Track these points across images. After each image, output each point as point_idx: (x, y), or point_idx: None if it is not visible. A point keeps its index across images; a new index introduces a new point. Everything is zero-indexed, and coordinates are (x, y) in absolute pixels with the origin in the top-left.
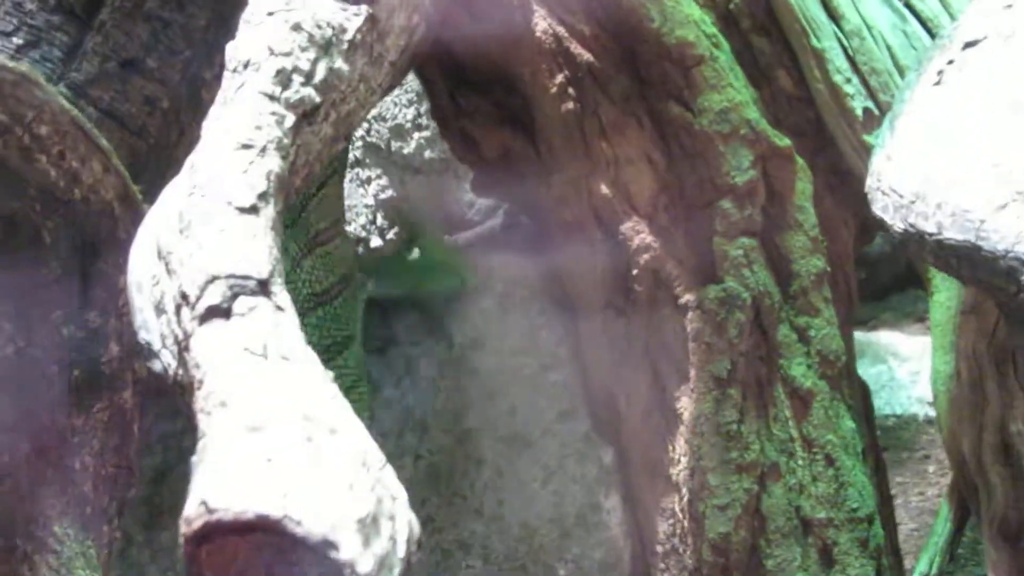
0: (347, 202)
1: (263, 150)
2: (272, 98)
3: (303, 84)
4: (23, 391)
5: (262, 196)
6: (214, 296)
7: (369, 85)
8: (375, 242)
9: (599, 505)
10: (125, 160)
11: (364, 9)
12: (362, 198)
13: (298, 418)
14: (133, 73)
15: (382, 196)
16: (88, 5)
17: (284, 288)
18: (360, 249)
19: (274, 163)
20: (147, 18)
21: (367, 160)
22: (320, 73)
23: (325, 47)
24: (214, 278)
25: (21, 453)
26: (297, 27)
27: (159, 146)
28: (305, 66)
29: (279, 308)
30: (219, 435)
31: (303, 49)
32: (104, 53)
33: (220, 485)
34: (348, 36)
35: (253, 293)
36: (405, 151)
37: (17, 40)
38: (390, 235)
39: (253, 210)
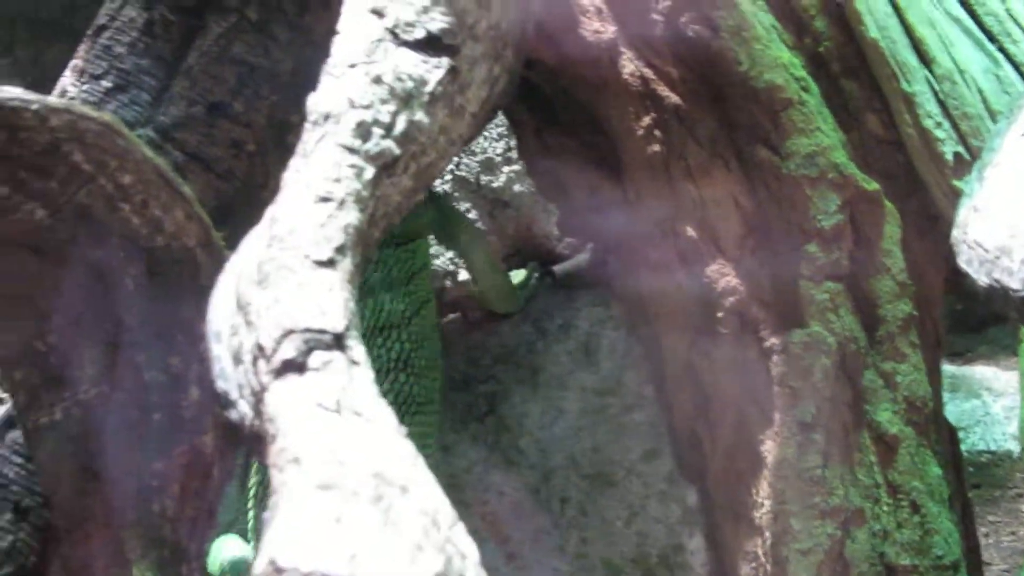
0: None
1: (342, 203)
2: (352, 151)
3: (383, 136)
4: (105, 435)
5: (339, 249)
6: (289, 350)
7: (449, 136)
8: (461, 276)
9: (682, 546)
10: (211, 203)
11: (446, 62)
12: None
13: (369, 476)
14: (219, 117)
15: None
16: (176, 50)
17: (359, 342)
18: (448, 283)
19: (353, 216)
20: (234, 62)
21: (456, 193)
22: (400, 125)
23: (406, 99)
24: (290, 332)
25: (102, 497)
26: (378, 80)
27: (245, 189)
28: (385, 118)
29: (354, 363)
30: (290, 492)
31: (384, 101)
32: (191, 97)
33: (289, 544)
34: (429, 88)
35: (328, 347)
36: (494, 184)
37: (106, 83)
38: None
39: (330, 263)
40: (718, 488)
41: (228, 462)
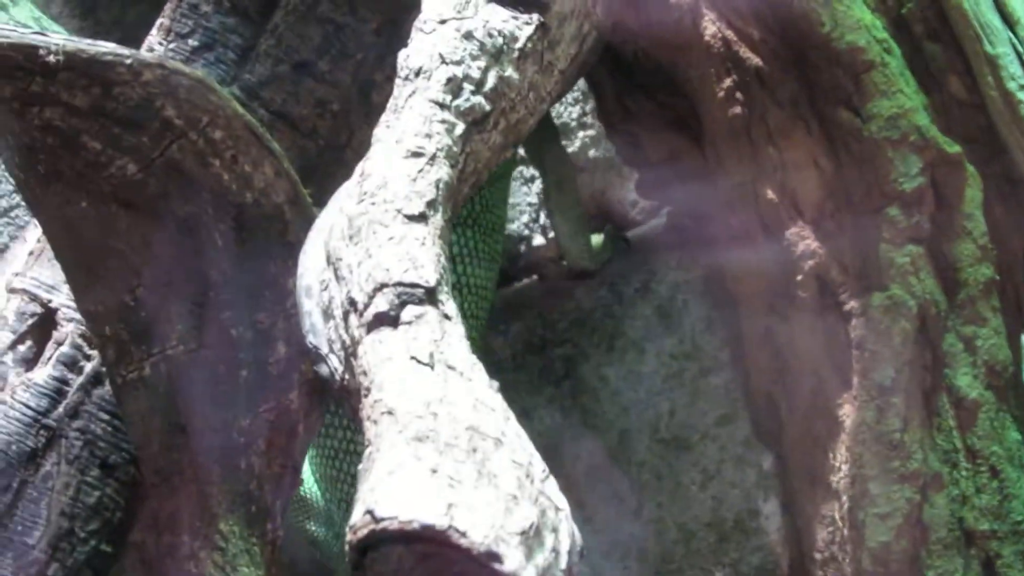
0: (512, 200)
1: (433, 158)
2: (443, 106)
3: (473, 92)
4: (193, 391)
5: (431, 204)
6: (382, 304)
7: (539, 93)
8: (537, 240)
9: (758, 510)
10: (295, 162)
11: (536, 18)
12: (525, 196)
13: (463, 429)
14: (305, 75)
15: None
16: (262, 8)
17: (451, 297)
18: (523, 247)
19: (443, 171)
20: (319, 21)
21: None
22: (491, 81)
23: (496, 55)
24: (382, 286)
25: (189, 452)
26: (469, 35)
27: (329, 148)
28: (476, 74)
29: (446, 317)
30: (386, 444)
31: (474, 57)
32: (277, 56)
33: (386, 495)
34: (519, 44)
35: (420, 302)
36: (570, 149)
37: (192, 42)
38: (552, 234)
39: (422, 218)
40: (794, 452)
41: (314, 419)
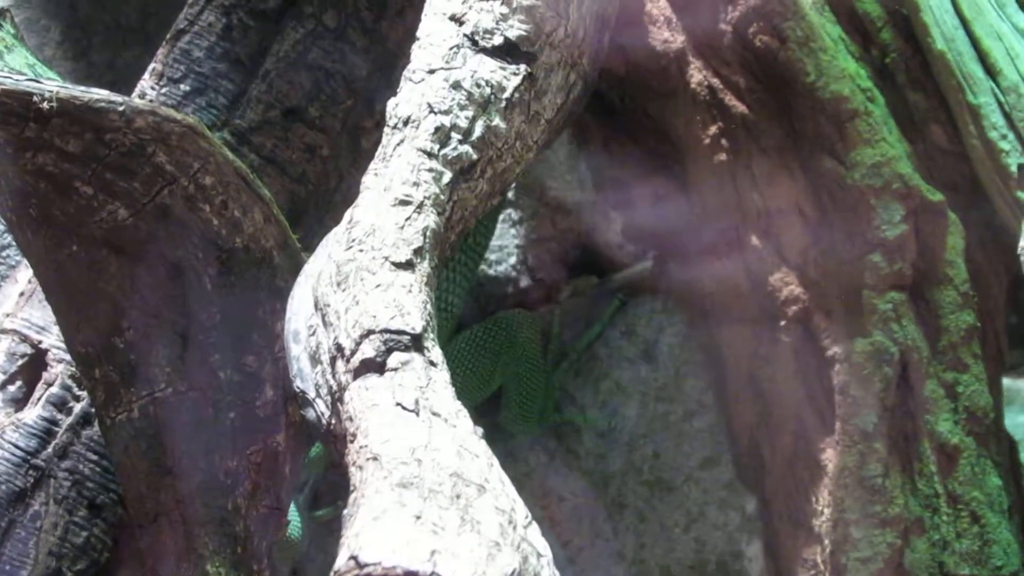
0: (498, 242)
1: (420, 206)
2: (430, 155)
3: (461, 141)
4: (180, 433)
5: (418, 252)
6: (369, 350)
7: (525, 142)
8: (524, 282)
9: (741, 553)
10: (285, 206)
11: (523, 68)
12: (513, 239)
13: (447, 475)
14: (295, 121)
15: (533, 236)
16: (253, 54)
17: (436, 343)
18: (510, 289)
19: (431, 219)
20: (310, 68)
21: (519, 201)
22: (478, 131)
23: (484, 105)
24: (369, 332)
25: (177, 493)
26: (457, 85)
27: (318, 192)
28: (463, 124)
29: (432, 363)
30: (371, 490)
31: (462, 107)
32: (268, 101)
33: (370, 540)
34: (507, 95)
35: (407, 348)
36: (557, 192)
37: (184, 87)
38: (539, 275)
39: (409, 266)
40: (777, 496)
41: (299, 461)
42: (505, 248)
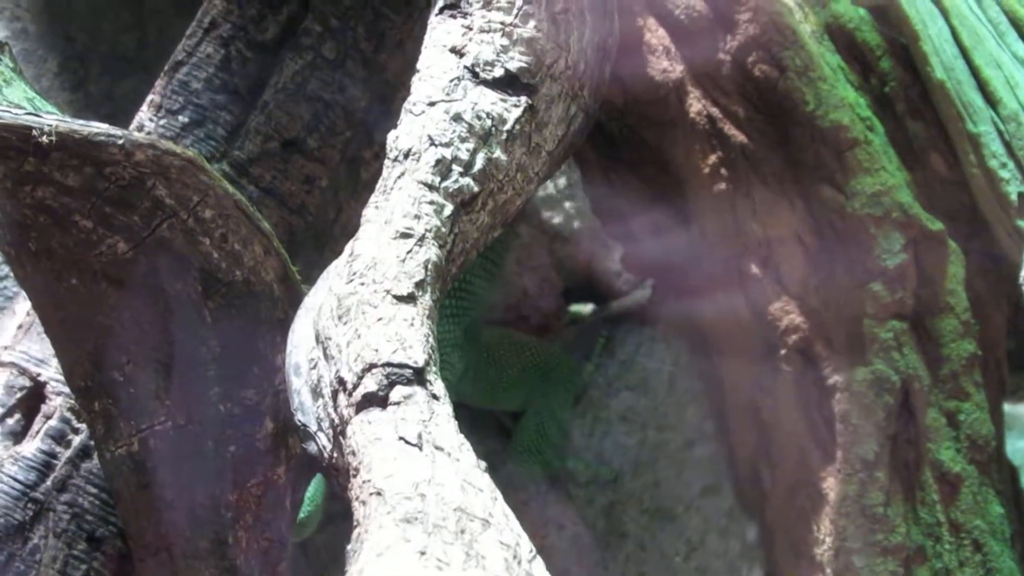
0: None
1: (421, 239)
2: (431, 187)
3: (462, 174)
4: (180, 466)
5: (419, 285)
6: (371, 384)
7: (526, 174)
8: (522, 310)
9: None
10: (283, 237)
11: (524, 100)
12: (510, 266)
13: (451, 510)
14: (294, 152)
15: (530, 264)
16: (252, 86)
17: (439, 377)
18: (507, 316)
19: (432, 252)
20: (309, 99)
21: (516, 228)
22: (479, 163)
23: (484, 137)
24: (371, 366)
25: (177, 526)
26: (458, 117)
27: (317, 224)
28: (464, 156)
29: (434, 397)
30: (374, 525)
31: (463, 139)
32: (266, 133)
33: None
34: (507, 127)
35: (409, 382)
36: (555, 220)
37: (183, 119)
38: (537, 303)
39: (410, 299)
40: (778, 524)
41: (300, 494)
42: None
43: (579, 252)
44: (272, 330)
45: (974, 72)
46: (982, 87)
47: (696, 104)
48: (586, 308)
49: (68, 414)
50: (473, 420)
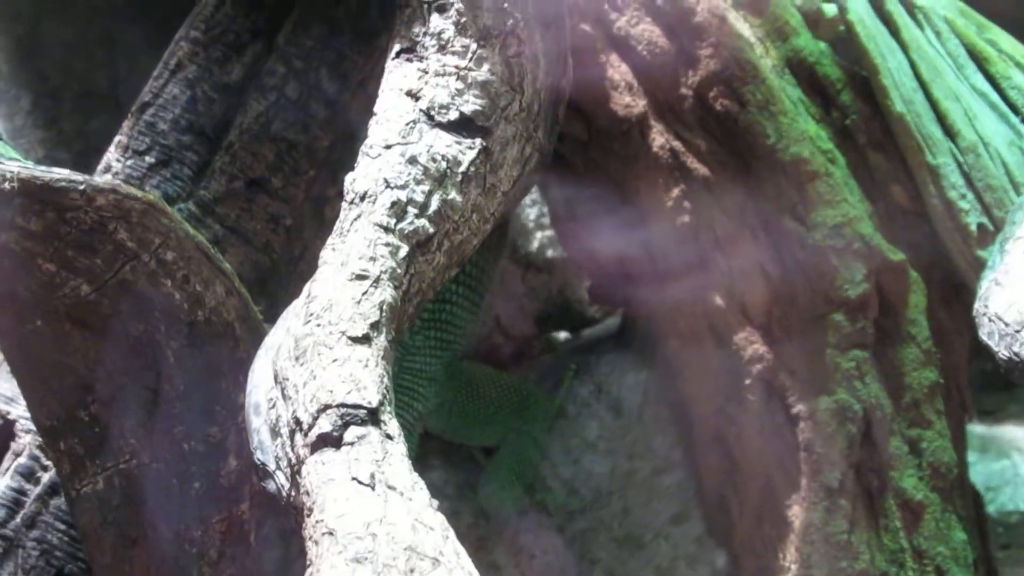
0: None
1: (377, 281)
2: (387, 229)
3: (417, 216)
4: (145, 504)
5: (374, 326)
6: (325, 425)
7: (482, 214)
8: (496, 339)
9: None
10: (249, 276)
11: (479, 143)
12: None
13: (401, 549)
14: (259, 192)
15: (504, 293)
16: (217, 126)
17: (393, 417)
18: (480, 346)
19: (387, 293)
20: (273, 139)
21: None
22: (434, 204)
23: (440, 179)
24: (326, 407)
25: (141, 563)
26: (413, 160)
27: (282, 261)
28: (420, 198)
29: (388, 437)
30: (325, 566)
31: (418, 182)
32: (231, 172)
33: None
34: (462, 168)
35: (363, 422)
36: (528, 249)
37: (149, 159)
38: (512, 333)
39: (365, 340)
40: (746, 552)
41: (265, 530)
42: None
43: (552, 280)
44: (234, 369)
45: (933, 105)
46: (941, 119)
47: (659, 138)
48: (560, 336)
49: (37, 451)
50: (446, 451)
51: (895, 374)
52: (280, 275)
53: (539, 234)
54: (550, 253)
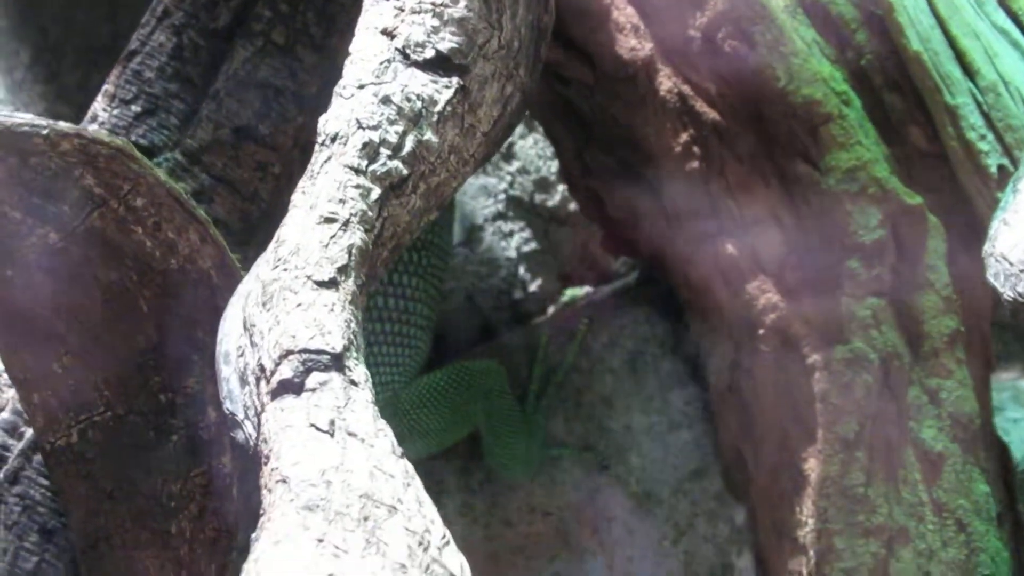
0: (490, 255)
1: (346, 224)
2: (358, 171)
3: (390, 157)
4: (121, 457)
5: (342, 270)
6: (287, 371)
7: (461, 156)
8: (517, 294)
9: (731, 565)
10: (237, 225)
11: (455, 81)
12: (504, 251)
13: (356, 497)
14: (246, 140)
15: (525, 249)
16: (204, 74)
17: (360, 362)
18: (503, 301)
19: (357, 237)
20: (260, 86)
21: (510, 213)
22: (408, 145)
23: (414, 119)
24: (288, 353)
25: (118, 517)
26: (386, 100)
27: (271, 211)
28: (393, 139)
29: (352, 383)
30: (276, 513)
31: (391, 122)
32: (218, 120)
33: (268, 566)
34: (438, 108)
35: (326, 368)
36: (549, 203)
37: (136, 108)
38: (532, 287)
39: (332, 284)
40: (763, 507)
41: (250, 484)
42: (496, 261)
43: (576, 235)
44: (211, 318)
45: (951, 43)
46: (959, 58)
47: (666, 82)
48: (582, 291)
49: (20, 406)
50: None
51: (913, 322)
52: (268, 224)
53: (561, 187)
54: (572, 206)
